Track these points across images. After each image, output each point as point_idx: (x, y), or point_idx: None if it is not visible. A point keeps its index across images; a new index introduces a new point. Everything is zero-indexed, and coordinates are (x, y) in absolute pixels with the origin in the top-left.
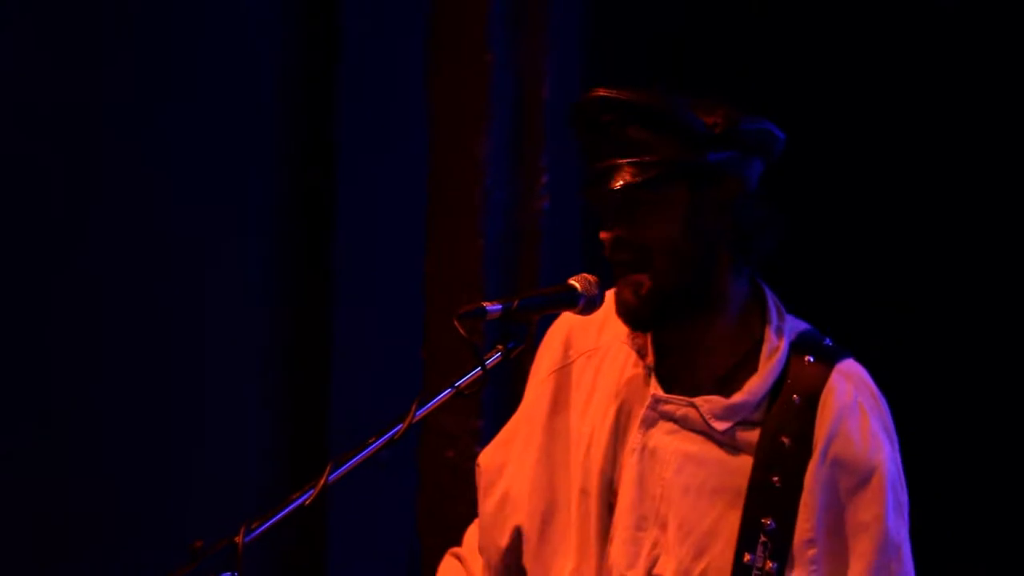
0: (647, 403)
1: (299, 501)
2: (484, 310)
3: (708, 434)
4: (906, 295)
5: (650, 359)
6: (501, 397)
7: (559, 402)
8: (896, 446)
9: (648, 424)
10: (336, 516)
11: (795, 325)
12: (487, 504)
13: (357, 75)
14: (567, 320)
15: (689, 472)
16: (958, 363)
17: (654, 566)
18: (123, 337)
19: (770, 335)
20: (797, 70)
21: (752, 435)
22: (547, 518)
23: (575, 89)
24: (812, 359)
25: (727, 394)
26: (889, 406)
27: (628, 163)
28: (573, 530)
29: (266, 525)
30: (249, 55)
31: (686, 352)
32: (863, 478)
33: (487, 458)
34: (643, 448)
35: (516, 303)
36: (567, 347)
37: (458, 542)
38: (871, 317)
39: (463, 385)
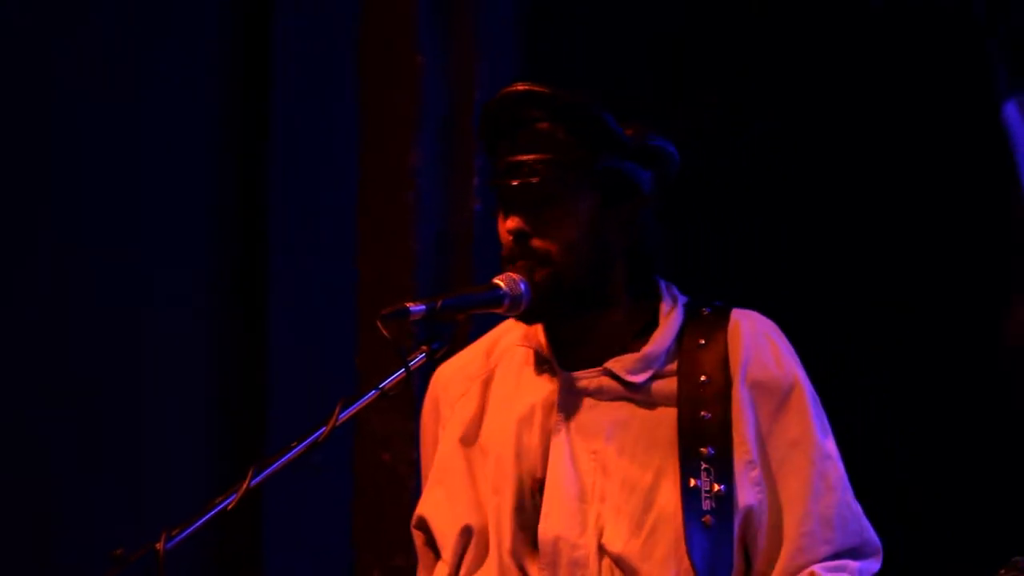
0: (559, 386)
1: (221, 506)
2: (407, 310)
3: (628, 398)
4: (906, 295)
5: (547, 352)
6: None
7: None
8: (807, 376)
9: (566, 406)
10: (271, 519)
11: (687, 297)
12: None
13: (288, 82)
14: (432, 384)
15: (619, 437)
16: (957, 363)
17: (601, 536)
18: (81, 346)
19: (665, 299)
20: (795, 70)
21: (670, 384)
22: (467, 537)
23: None
24: (709, 310)
25: (635, 351)
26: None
27: (546, 159)
28: (492, 532)
29: (188, 531)
30: (183, 63)
31: (581, 343)
32: (783, 397)
33: (418, 513)
34: (567, 428)
35: (440, 303)
36: (437, 407)
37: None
38: (871, 317)
39: (387, 386)
